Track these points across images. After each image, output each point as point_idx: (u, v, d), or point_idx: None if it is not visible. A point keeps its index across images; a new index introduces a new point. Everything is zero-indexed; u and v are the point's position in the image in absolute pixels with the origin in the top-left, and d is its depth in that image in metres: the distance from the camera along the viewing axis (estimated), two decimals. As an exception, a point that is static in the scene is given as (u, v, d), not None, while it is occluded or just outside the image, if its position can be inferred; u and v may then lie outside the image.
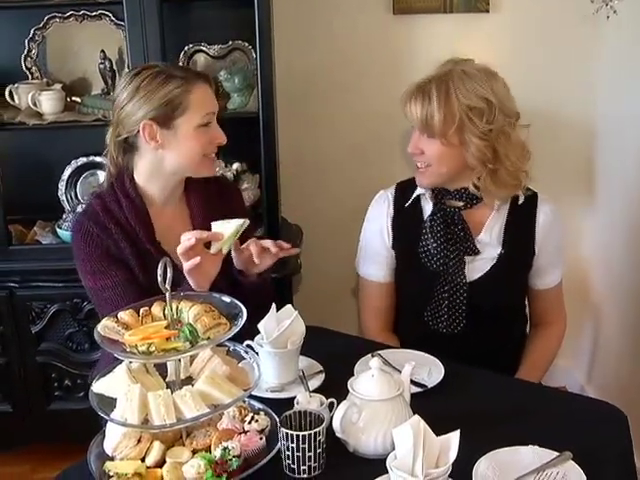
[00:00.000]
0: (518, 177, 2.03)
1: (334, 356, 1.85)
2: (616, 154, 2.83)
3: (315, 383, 1.75)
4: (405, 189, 2.15)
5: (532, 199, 2.10)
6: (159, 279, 1.43)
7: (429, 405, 1.60)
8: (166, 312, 1.47)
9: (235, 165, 2.76)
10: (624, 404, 2.70)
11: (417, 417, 1.36)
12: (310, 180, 3.04)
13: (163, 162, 1.96)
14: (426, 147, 1.99)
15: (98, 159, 2.88)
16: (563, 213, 3.07)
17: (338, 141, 3.00)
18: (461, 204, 2.06)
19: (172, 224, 2.03)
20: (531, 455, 1.50)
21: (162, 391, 1.41)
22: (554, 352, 2.21)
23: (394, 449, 1.36)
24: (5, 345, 2.73)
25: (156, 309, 1.50)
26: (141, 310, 1.51)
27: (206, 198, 2.07)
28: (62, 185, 2.89)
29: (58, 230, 2.74)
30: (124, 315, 1.48)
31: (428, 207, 2.10)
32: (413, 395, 1.66)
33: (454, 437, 1.34)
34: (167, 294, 1.45)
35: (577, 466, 1.45)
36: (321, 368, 1.81)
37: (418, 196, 2.12)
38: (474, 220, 2.06)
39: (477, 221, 2.07)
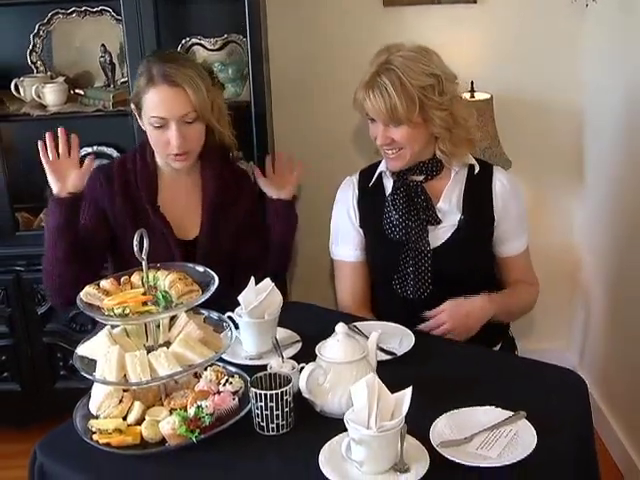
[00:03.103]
0: (470, 131, 2.16)
1: (312, 328, 1.94)
2: (605, 140, 2.89)
3: (291, 351, 1.85)
4: (368, 172, 2.28)
5: (487, 169, 2.21)
6: (135, 249, 1.54)
7: (398, 371, 1.70)
8: (143, 280, 1.58)
9: (230, 152, 2.86)
10: (613, 385, 2.79)
11: (372, 375, 1.46)
12: (305, 167, 3.13)
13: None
14: (395, 135, 2.09)
15: (102, 149, 3.01)
16: (553, 199, 3.17)
17: (331, 129, 3.08)
18: (422, 177, 2.17)
19: (179, 195, 2.24)
20: (487, 415, 1.59)
21: (138, 352, 1.52)
22: (526, 298, 2.28)
23: (355, 407, 1.46)
24: (13, 326, 2.87)
25: (135, 278, 1.62)
26: (122, 279, 1.62)
27: (219, 176, 2.26)
28: (69, 174, 3.01)
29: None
30: (105, 283, 1.60)
31: (389, 184, 2.21)
32: (383, 362, 1.77)
33: (407, 393, 1.44)
34: (143, 263, 1.56)
35: (529, 424, 1.55)
36: (298, 338, 1.92)
37: (380, 176, 2.24)
38: (434, 190, 2.17)
39: (437, 191, 2.17)
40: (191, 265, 1.70)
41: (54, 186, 2.10)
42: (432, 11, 2.97)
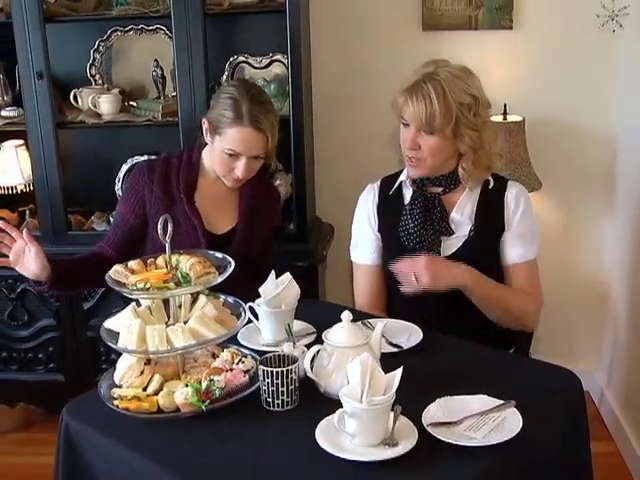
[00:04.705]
0: (492, 159, 2.26)
1: (329, 322, 2.05)
2: (636, 163, 2.94)
3: (305, 341, 1.98)
4: (389, 180, 2.39)
5: (502, 183, 2.29)
6: (159, 232, 1.70)
7: (402, 363, 1.78)
8: (166, 261, 1.74)
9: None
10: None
11: (366, 354, 1.58)
12: (344, 181, 3.26)
13: (210, 155, 2.37)
14: (424, 142, 2.19)
15: (154, 158, 3.20)
16: (584, 222, 3.24)
17: (368, 144, 3.23)
18: (440, 190, 2.27)
19: (216, 195, 2.42)
20: (479, 402, 1.68)
21: (158, 325, 1.67)
22: (519, 303, 2.22)
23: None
24: (60, 320, 3.07)
25: (160, 260, 1.78)
26: (148, 260, 1.79)
27: (255, 188, 2.44)
28: (119, 181, 3.21)
29: (111, 219, 3.05)
30: (132, 263, 1.77)
31: (409, 193, 2.32)
32: (390, 354, 1.89)
33: (398, 373, 1.56)
34: (167, 245, 1.72)
35: (517, 412, 1.63)
36: (314, 330, 2.04)
37: (400, 185, 2.35)
38: (449, 202, 2.27)
39: (452, 202, 2.27)
40: (211, 252, 1.86)
41: (26, 275, 2.22)
42: (470, 36, 3.10)
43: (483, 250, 2.23)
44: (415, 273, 2.08)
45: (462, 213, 2.25)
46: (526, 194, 2.30)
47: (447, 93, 2.13)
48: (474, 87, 2.18)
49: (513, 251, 2.25)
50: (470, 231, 2.23)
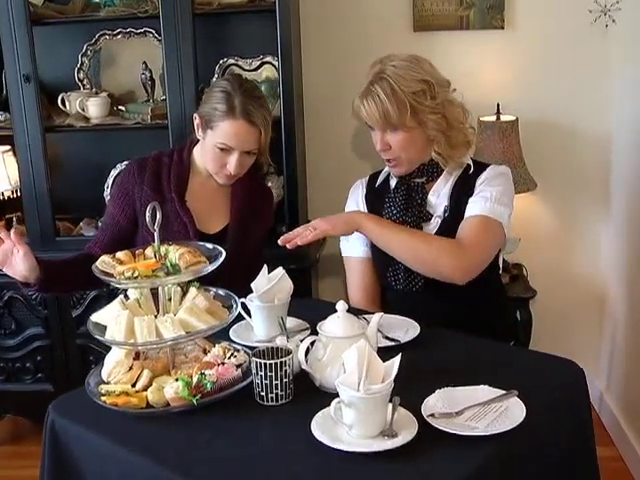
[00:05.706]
0: (466, 134, 2.24)
1: (323, 319, 2.01)
2: (631, 163, 2.92)
3: (299, 337, 1.92)
4: (376, 175, 2.41)
5: (482, 167, 2.25)
6: (147, 220, 1.65)
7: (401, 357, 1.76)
8: (155, 250, 1.68)
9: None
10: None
11: (363, 342, 1.53)
12: (336, 184, 3.22)
13: (202, 151, 2.33)
14: (392, 140, 2.19)
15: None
16: (579, 222, 3.20)
17: (360, 144, 3.18)
18: (424, 179, 2.26)
19: (207, 194, 2.38)
20: (480, 393, 1.63)
21: (146, 316, 1.62)
22: (432, 245, 2.11)
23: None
24: (48, 328, 3.00)
25: (149, 250, 1.73)
26: (136, 252, 1.73)
27: (247, 187, 2.40)
28: (107, 187, 3.16)
29: (100, 224, 3.00)
30: (120, 254, 1.71)
31: (394, 183, 2.32)
32: (387, 348, 1.83)
33: (396, 361, 1.50)
34: (155, 234, 1.67)
35: (520, 401, 1.58)
36: (307, 326, 1.99)
37: (387, 176, 2.36)
38: (429, 187, 2.27)
39: (431, 188, 2.27)
40: (201, 243, 1.81)
41: (15, 276, 2.12)
42: (461, 36, 3.08)
43: (457, 228, 2.17)
44: (312, 226, 2.08)
45: (438, 195, 2.24)
46: (503, 171, 2.25)
47: (395, 88, 2.13)
48: (424, 72, 2.17)
49: (468, 208, 2.18)
50: (445, 211, 2.21)
